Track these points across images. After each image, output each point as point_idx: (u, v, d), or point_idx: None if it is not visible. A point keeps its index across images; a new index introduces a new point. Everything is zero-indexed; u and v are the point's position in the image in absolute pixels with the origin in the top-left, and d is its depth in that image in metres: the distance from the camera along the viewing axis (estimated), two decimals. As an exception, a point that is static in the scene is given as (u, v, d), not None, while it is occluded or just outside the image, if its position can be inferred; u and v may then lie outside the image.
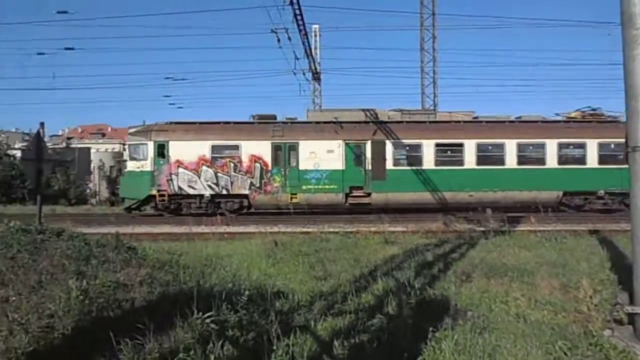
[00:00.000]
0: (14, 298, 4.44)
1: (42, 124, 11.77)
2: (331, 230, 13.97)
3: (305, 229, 14.90)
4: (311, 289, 6.94)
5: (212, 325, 4.59)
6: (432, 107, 28.53)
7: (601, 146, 20.56)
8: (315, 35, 31.41)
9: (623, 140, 5.70)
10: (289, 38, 20.78)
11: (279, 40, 20.40)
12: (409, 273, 7.53)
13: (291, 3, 20.77)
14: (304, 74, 27.07)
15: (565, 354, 4.48)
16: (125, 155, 22.55)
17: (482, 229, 13.70)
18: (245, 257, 9.13)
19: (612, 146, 20.21)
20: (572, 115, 22.06)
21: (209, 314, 4.70)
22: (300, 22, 23.43)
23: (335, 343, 4.48)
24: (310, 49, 28.00)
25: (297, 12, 22.35)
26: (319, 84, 32.35)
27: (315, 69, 31.07)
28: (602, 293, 6.14)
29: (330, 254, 9.75)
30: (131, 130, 21.85)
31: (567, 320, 5.47)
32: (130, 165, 20.58)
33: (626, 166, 5.15)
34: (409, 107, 23.36)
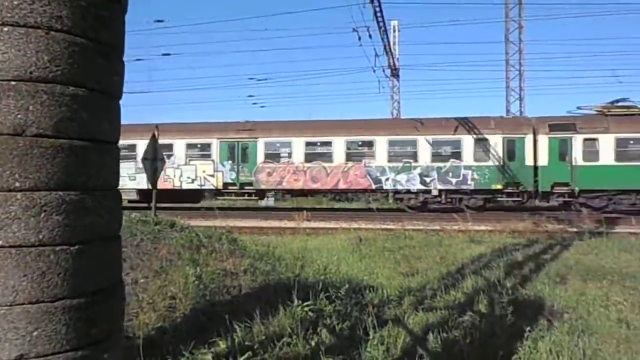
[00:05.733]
0: (142, 280, 5.07)
1: (157, 126, 12.80)
2: (413, 227, 13.99)
3: (386, 226, 15.04)
4: (399, 284, 7.09)
5: (311, 314, 4.95)
6: (517, 101, 27.50)
7: None
8: (394, 31, 31.14)
9: None
10: (370, 36, 21.02)
11: (359, 39, 20.71)
12: (498, 272, 7.43)
13: (371, 1, 20.95)
14: (383, 70, 27.15)
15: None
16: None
17: (575, 230, 13.06)
18: (332, 252, 9.47)
19: None
20: None
21: (307, 302, 5.06)
22: (380, 19, 23.51)
23: (430, 337, 4.64)
24: (389, 45, 27.91)
25: (377, 8, 22.45)
26: (398, 81, 32.14)
27: (394, 65, 30.90)
28: None
29: (415, 252, 9.81)
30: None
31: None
32: None
33: None
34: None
